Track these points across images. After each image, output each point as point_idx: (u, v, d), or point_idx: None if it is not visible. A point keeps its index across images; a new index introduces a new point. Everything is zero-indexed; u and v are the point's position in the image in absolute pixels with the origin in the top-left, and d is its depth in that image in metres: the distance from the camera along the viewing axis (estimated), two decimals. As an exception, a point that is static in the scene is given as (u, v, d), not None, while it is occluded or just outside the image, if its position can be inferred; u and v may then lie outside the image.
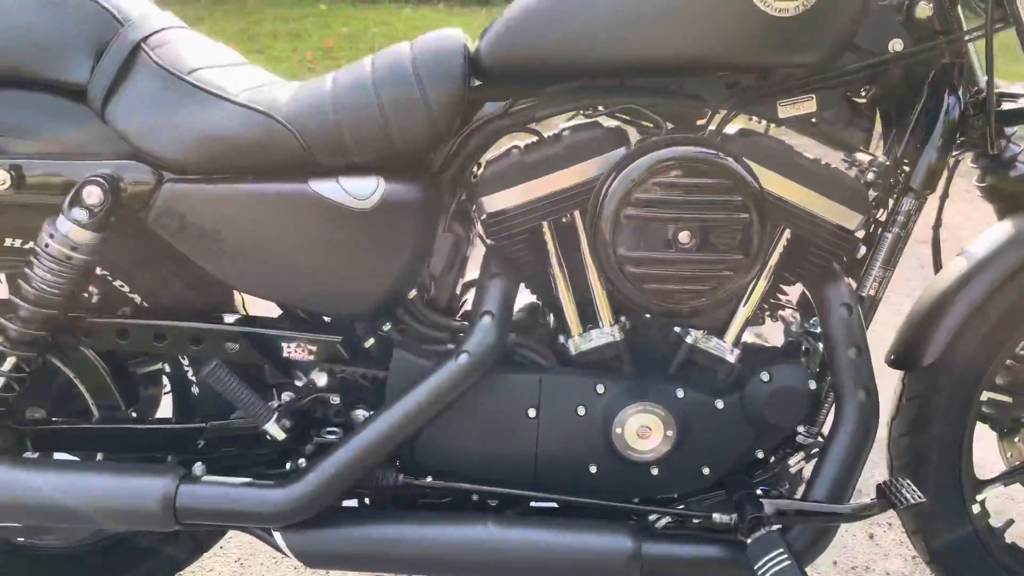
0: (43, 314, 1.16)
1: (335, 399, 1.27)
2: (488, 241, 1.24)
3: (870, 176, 1.25)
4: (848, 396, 1.21)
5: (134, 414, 1.31)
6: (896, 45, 1.17)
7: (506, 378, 1.24)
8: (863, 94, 1.22)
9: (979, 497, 1.39)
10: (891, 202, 1.25)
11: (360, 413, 1.27)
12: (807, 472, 1.27)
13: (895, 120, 1.25)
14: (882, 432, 1.26)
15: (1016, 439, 1.44)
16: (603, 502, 1.24)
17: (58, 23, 1.16)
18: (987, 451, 1.46)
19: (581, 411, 1.24)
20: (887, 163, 1.24)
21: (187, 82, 1.15)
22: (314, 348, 1.24)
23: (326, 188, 1.15)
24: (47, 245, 1.13)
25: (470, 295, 1.32)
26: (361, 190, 1.16)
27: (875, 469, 1.52)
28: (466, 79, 1.17)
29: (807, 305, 1.29)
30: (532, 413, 1.24)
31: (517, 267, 1.25)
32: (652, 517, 1.25)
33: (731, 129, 1.22)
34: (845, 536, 1.72)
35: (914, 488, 1.15)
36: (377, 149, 1.17)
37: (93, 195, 1.11)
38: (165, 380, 1.33)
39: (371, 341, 1.27)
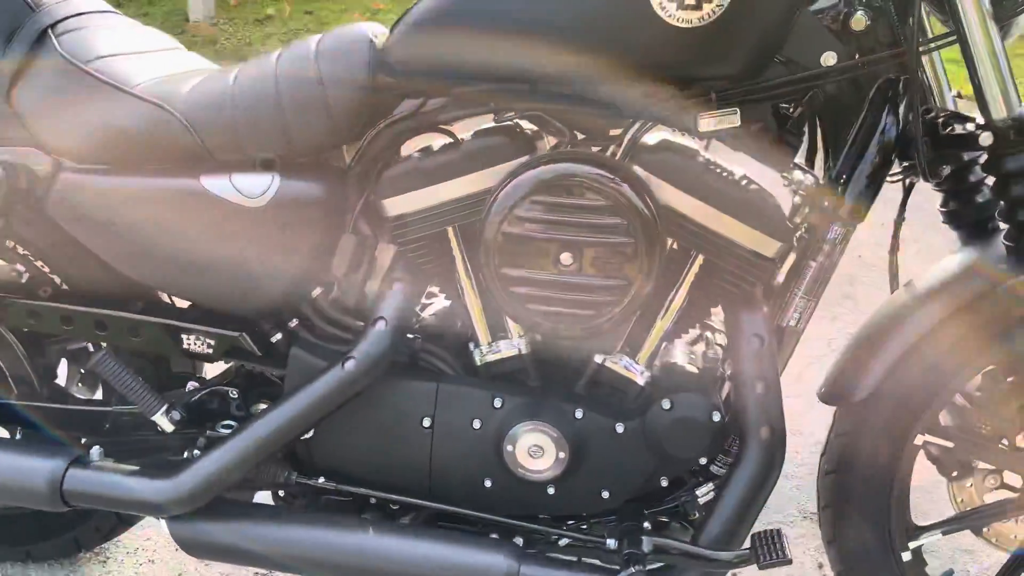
0: (-53, 292, 1.20)
1: (234, 393, 1.26)
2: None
3: (797, 199, 1.16)
4: (751, 433, 1.14)
5: (47, 393, 1.34)
6: (829, 59, 1.07)
7: (404, 385, 1.22)
8: (792, 110, 1.12)
9: (912, 544, 1.30)
10: (819, 228, 1.15)
11: (261, 408, 1.27)
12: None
13: (831, 139, 1.15)
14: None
15: (967, 483, 1.34)
16: (485, 516, 1.21)
17: (-31, 6, 1.17)
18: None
19: (476, 424, 1.20)
20: (815, 185, 1.15)
21: (85, 71, 1.15)
22: (212, 342, 1.23)
23: (217, 185, 1.14)
24: (-57, 228, 1.15)
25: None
26: (253, 187, 1.14)
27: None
28: (370, 76, 1.13)
29: None
30: (427, 423, 1.21)
31: (423, 272, 1.21)
32: (535, 538, 1.22)
33: (652, 141, 1.15)
34: (793, 565, 1.64)
35: (784, 544, 1.07)
36: (274, 146, 1.15)
37: (-12, 181, 1.13)
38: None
39: (278, 336, 1.26)
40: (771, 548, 1.07)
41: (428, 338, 1.26)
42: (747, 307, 1.16)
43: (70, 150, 1.15)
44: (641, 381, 1.20)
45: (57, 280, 1.31)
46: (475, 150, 1.14)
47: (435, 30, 1.09)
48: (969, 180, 1.16)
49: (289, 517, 1.22)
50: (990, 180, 1.13)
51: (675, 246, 1.16)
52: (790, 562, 1.06)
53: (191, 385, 1.29)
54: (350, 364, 1.16)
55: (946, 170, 1.13)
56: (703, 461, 1.19)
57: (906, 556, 1.30)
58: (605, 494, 1.21)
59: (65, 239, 1.25)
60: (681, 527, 1.21)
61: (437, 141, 1.19)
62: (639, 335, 1.20)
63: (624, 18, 1.02)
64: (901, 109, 1.10)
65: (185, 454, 1.26)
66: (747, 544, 1.13)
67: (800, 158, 1.18)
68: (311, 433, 1.23)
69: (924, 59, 1.14)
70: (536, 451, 1.18)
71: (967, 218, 1.20)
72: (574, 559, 1.18)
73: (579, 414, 1.18)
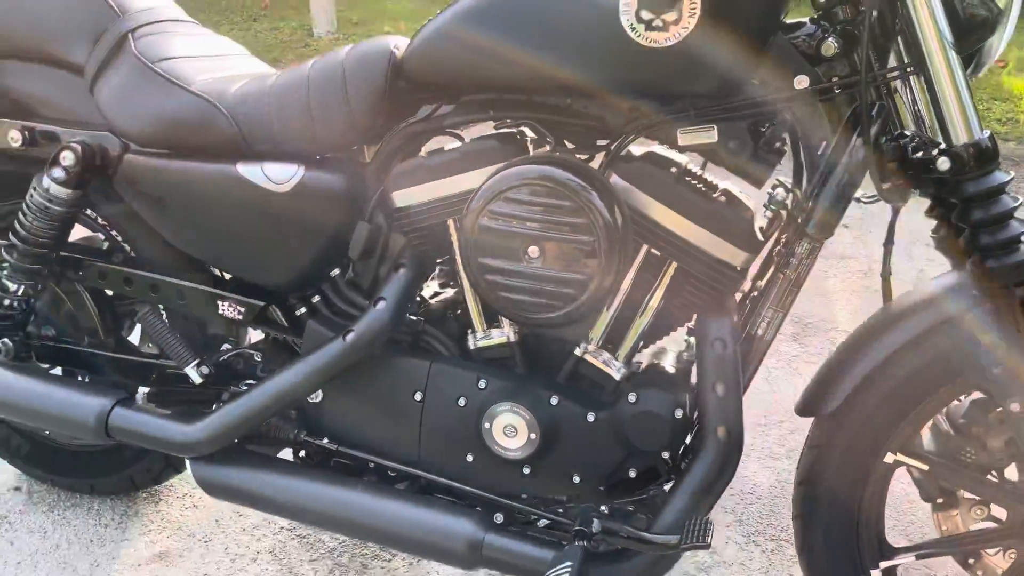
0: (34, 252, 1.42)
1: (258, 357, 1.43)
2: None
3: (768, 213, 1.21)
4: (708, 432, 1.20)
5: (111, 344, 1.55)
6: (801, 82, 1.13)
7: (401, 360, 1.35)
8: (764, 129, 1.18)
9: (884, 564, 1.32)
10: (789, 243, 1.20)
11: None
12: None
13: (808, 158, 1.20)
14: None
15: (953, 512, 1.34)
16: (467, 488, 1.32)
17: (69, 11, 1.40)
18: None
19: (461, 402, 1.32)
20: (786, 201, 1.20)
21: (152, 70, 1.35)
22: (243, 309, 1.40)
23: (250, 171, 1.31)
24: (31, 196, 1.38)
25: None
26: (280, 175, 1.30)
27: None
28: (388, 83, 1.27)
29: None
30: (418, 396, 1.34)
31: (425, 260, 1.34)
32: (517, 517, 1.32)
33: (636, 152, 1.23)
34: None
35: (708, 532, 1.12)
36: (301, 140, 1.30)
37: (68, 158, 1.34)
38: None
39: (302, 310, 1.42)
40: (696, 534, 1.13)
41: (431, 321, 1.39)
42: (715, 313, 1.22)
43: (135, 135, 1.35)
44: (617, 376, 1.28)
45: (127, 248, 1.52)
46: (473, 151, 1.26)
47: (445, 46, 1.22)
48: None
49: (294, 471, 1.37)
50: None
51: (654, 251, 1.24)
52: (708, 547, 1.12)
53: (224, 347, 1.47)
54: (350, 337, 1.30)
55: (901, 194, 1.16)
56: (666, 455, 1.26)
57: (876, 574, 1.31)
58: (576, 479, 1.30)
59: (131, 212, 1.45)
60: (640, 516, 1.28)
61: (446, 143, 1.32)
62: (619, 333, 1.28)
63: (601, 39, 1.11)
64: (874, 131, 1.14)
65: (214, 407, 1.43)
66: None
67: (785, 174, 1.24)
68: (320, 398, 1.39)
69: (911, 84, 1.16)
70: (510, 430, 1.28)
71: (954, 244, 1.21)
72: (535, 535, 1.27)
73: (554, 401, 1.28)
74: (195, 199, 1.35)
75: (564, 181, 1.13)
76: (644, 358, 1.35)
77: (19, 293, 1.49)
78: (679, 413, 1.23)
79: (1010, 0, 1.04)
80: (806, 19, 1.17)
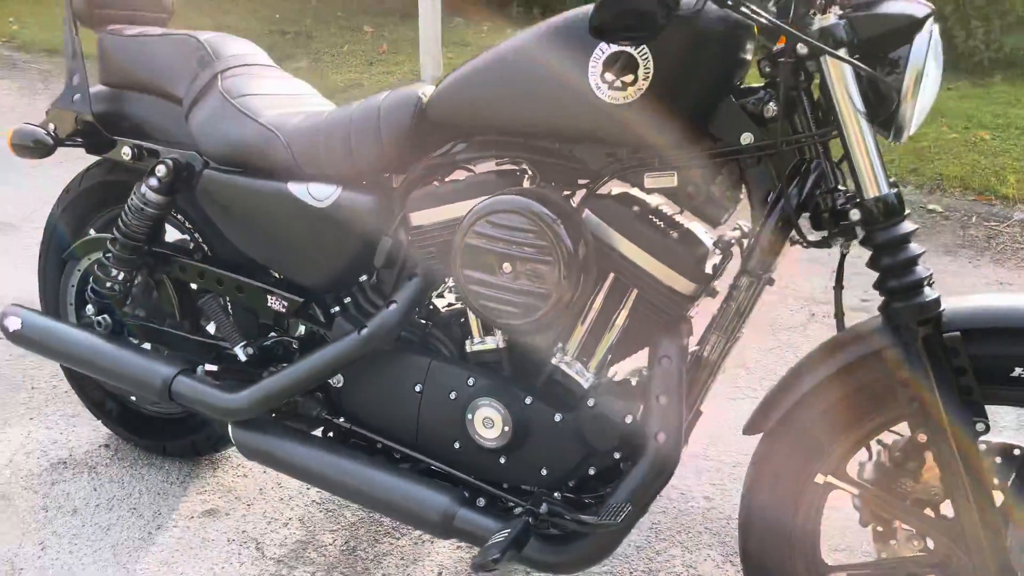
0: (131, 246, 1.76)
1: (295, 345, 1.71)
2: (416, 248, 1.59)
3: (717, 250, 1.39)
4: (648, 437, 1.37)
5: (186, 326, 1.88)
6: (746, 139, 1.31)
7: (407, 356, 1.59)
8: (718, 177, 1.36)
9: (818, 582, 1.43)
10: (735, 277, 1.38)
11: (305, 357, 1.70)
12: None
13: (754, 204, 1.37)
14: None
15: (892, 542, 1.44)
16: (453, 472, 1.54)
17: (177, 55, 1.75)
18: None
19: (452, 396, 1.54)
20: (732, 241, 1.38)
21: (232, 104, 1.67)
22: (286, 304, 1.69)
23: (297, 189, 1.60)
24: (131, 200, 1.72)
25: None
26: (321, 193, 1.59)
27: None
28: (413, 124, 1.53)
29: None
30: (418, 388, 1.57)
31: (434, 272, 1.58)
32: (503, 504, 1.53)
33: (608, 191, 1.44)
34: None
35: (619, 515, 1.29)
36: (342, 166, 1.58)
37: (162, 170, 1.67)
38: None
39: (336, 308, 1.69)
40: (612, 515, 1.30)
41: (437, 326, 1.63)
42: (666, 334, 1.40)
43: (214, 155, 1.67)
44: (585, 384, 1.47)
45: (205, 248, 1.84)
46: (475, 182, 1.50)
47: (459, 96, 1.47)
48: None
49: (309, 441, 1.63)
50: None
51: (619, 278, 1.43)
52: (620, 527, 1.29)
53: (271, 335, 1.75)
54: (364, 331, 1.55)
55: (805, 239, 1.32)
56: (618, 456, 1.44)
57: (808, 591, 1.43)
58: (544, 471, 1.50)
59: (208, 218, 1.78)
60: (593, 508, 1.46)
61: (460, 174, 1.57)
62: (591, 347, 1.48)
63: (575, 95, 1.33)
64: (810, 183, 1.31)
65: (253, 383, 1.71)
66: None
67: (741, 217, 1.41)
68: (341, 383, 1.64)
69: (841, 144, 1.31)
70: (488, 423, 1.49)
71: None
72: (502, 515, 1.47)
73: (528, 400, 1.48)
74: (254, 210, 1.65)
75: (537, 212, 1.35)
76: (621, 372, 1.54)
77: (119, 279, 1.83)
78: (629, 419, 1.41)
79: (913, 82, 1.19)
80: (761, 84, 1.35)
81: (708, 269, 1.38)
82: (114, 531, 1.91)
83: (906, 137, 1.25)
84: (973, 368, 1.23)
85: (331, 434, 1.72)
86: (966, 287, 3.04)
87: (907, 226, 1.22)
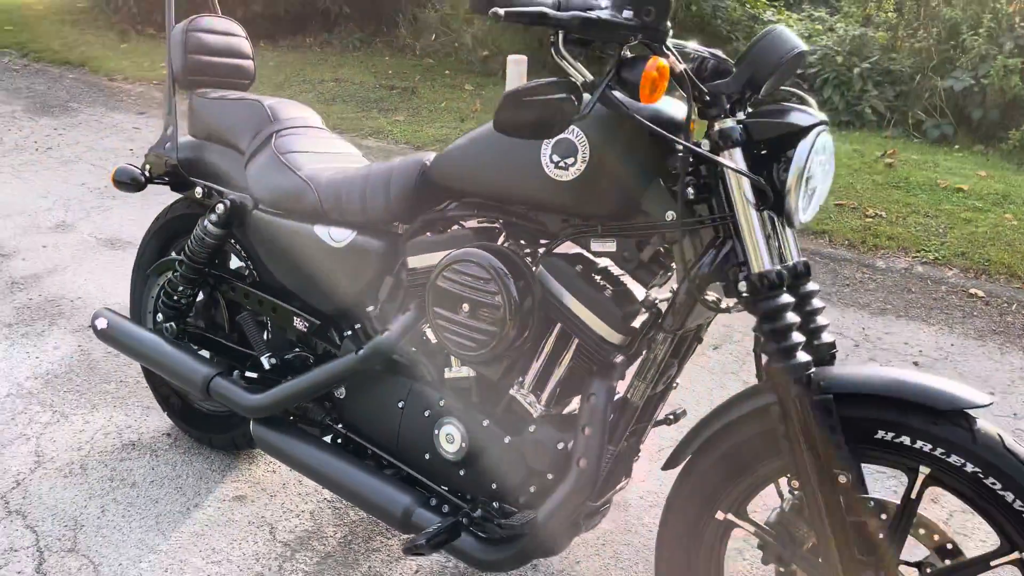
0: (193, 267, 2.15)
1: (311, 360, 2.04)
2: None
3: (642, 308, 1.63)
4: (572, 463, 1.61)
5: (233, 337, 2.25)
6: (670, 216, 1.56)
7: (395, 377, 1.89)
8: (646, 247, 1.60)
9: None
10: (654, 331, 1.61)
11: (315, 370, 2.03)
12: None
13: (678, 272, 1.61)
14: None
15: (793, 584, 1.61)
16: (422, 479, 1.82)
17: (245, 116, 2.15)
18: None
19: (426, 413, 1.83)
20: (655, 301, 1.61)
21: (279, 158, 2.04)
22: (308, 325, 2.03)
23: (321, 231, 1.94)
24: (196, 230, 2.11)
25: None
26: (339, 236, 1.92)
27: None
28: (417, 184, 1.85)
29: None
30: (400, 405, 1.87)
31: (424, 307, 1.88)
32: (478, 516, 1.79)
33: (561, 250, 1.71)
34: None
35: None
36: (358, 214, 1.92)
37: (220, 208, 2.06)
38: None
39: (348, 332, 2.02)
40: (526, 526, 1.54)
41: (424, 354, 1.92)
42: (597, 375, 1.64)
43: (262, 199, 2.05)
44: (535, 413, 1.73)
45: (256, 274, 2.22)
46: (458, 236, 1.80)
47: (450, 164, 1.78)
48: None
49: (310, 441, 1.95)
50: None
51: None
52: (525, 534, 1.52)
53: (295, 350, 2.10)
54: (360, 352, 1.87)
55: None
56: (550, 476, 1.68)
57: (707, 620, 1.61)
58: (494, 485, 1.75)
59: (256, 251, 2.15)
60: (530, 519, 1.70)
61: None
62: (544, 381, 1.73)
63: (532, 173, 1.61)
64: (720, 257, 1.53)
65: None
66: None
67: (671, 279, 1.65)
68: (343, 395, 1.96)
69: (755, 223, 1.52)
70: (450, 438, 1.77)
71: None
72: (453, 518, 1.73)
73: (486, 423, 1.75)
74: (287, 246, 2.01)
75: (493, 265, 1.63)
76: (573, 406, 1.78)
77: (185, 294, 2.22)
78: (561, 445, 1.65)
79: (796, 180, 1.40)
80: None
81: (635, 324, 1.62)
82: (161, 503, 2.29)
83: (799, 223, 1.47)
84: (843, 428, 1.41)
85: (338, 440, 2.04)
86: (987, 371, 3.07)
87: (784, 298, 1.43)
